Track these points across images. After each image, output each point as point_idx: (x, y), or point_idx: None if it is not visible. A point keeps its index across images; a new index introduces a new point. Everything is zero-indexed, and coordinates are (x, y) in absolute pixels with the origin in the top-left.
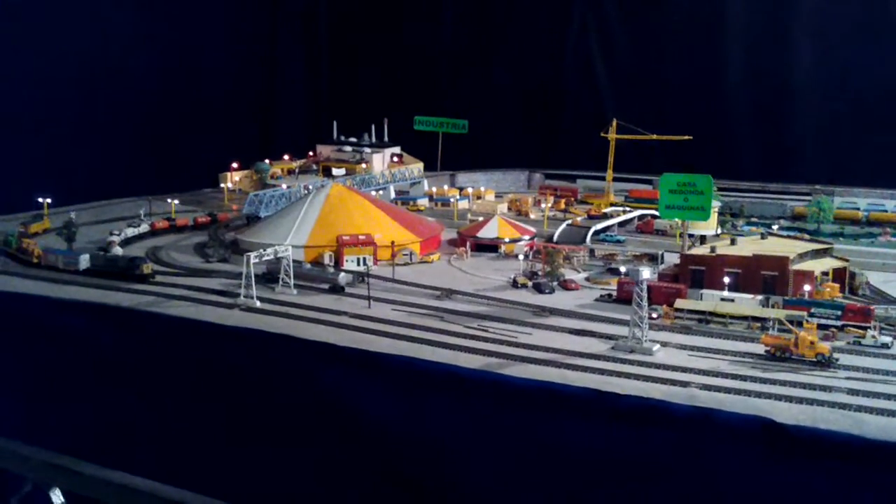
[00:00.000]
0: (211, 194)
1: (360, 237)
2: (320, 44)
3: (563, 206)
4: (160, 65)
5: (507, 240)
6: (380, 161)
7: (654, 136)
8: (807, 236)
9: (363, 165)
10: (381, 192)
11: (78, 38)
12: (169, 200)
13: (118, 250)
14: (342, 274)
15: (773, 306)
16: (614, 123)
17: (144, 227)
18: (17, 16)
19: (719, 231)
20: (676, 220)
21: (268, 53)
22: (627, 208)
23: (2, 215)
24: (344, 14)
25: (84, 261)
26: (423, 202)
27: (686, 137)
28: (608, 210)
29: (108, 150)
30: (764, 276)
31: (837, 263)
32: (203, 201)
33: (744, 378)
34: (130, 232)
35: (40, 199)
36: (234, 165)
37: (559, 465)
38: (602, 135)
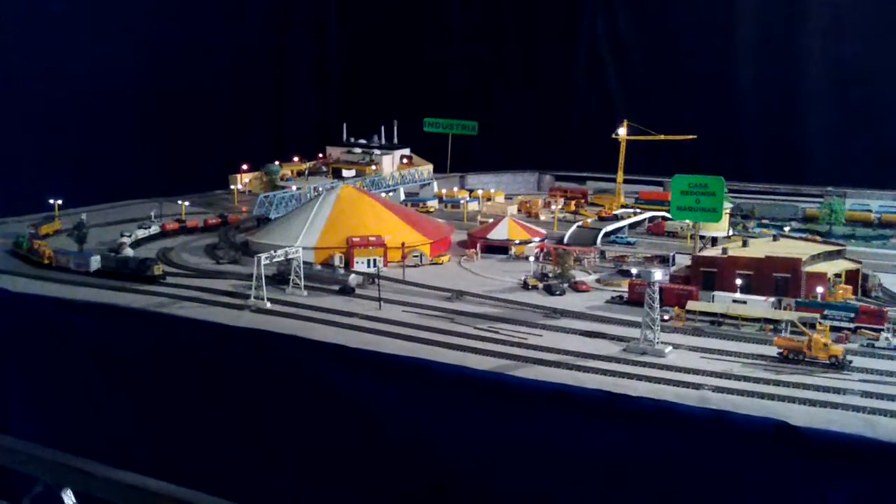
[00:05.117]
0: (221, 196)
1: (371, 239)
2: (330, 46)
3: (573, 207)
4: (171, 67)
5: (517, 241)
6: (389, 163)
7: (662, 137)
8: (819, 238)
9: (373, 167)
10: (390, 193)
11: (90, 39)
12: (179, 202)
13: (129, 252)
14: (352, 275)
15: (785, 308)
16: (625, 125)
17: (155, 229)
18: (24, 16)
19: (731, 233)
20: (688, 221)
21: (278, 56)
22: (638, 210)
23: (13, 217)
24: (354, 17)
25: (95, 262)
26: (433, 204)
27: (691, 137)
28: (619, 212)
29: (119, 151)
30: (776, 278)
31: (850, 265)
32: (213, 203)
33: (756, 380)
34: (141, 233)
35: (51, 201)
36: (245, 167)
37: (570, 467)
38: (613, 136)
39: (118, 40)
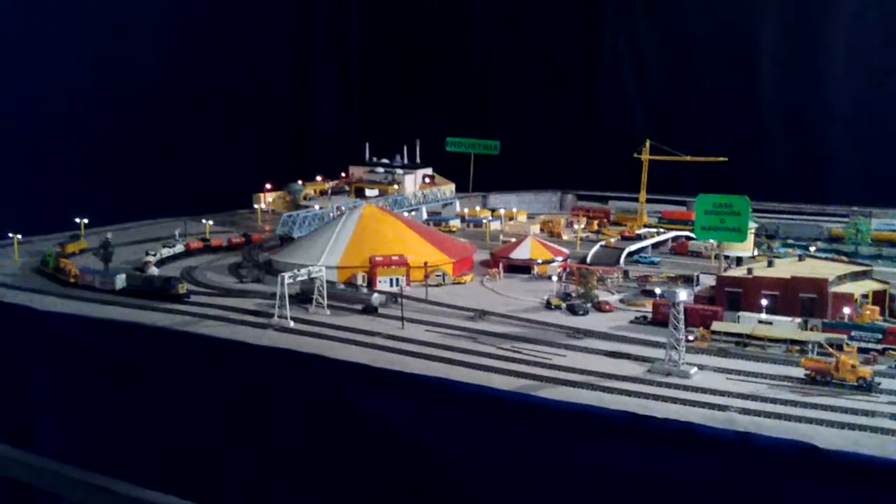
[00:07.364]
0: (245, 215)
1: (393, 258)
2: (352, 66)
3: (595, 227)
4: (196, 87)
5: (539, 261)
6: (412, 182)
7: (689, 158)
8: (845, 258)
9: (395, 186)
10: (413, 213)
11: (117, 59)
12: (203, 221)
13: (154, 270)
14: (375, 294)
15: (811, 329)
16: (647, 144)
17: (179, 248)
18: (50, 36)
19: (755, 253)
20: (712, 241)
21: (301, 77)
22: (661, 229)
23: (39, 235)
24: (376, 36)
25: (120, 280)
26: (456, 223)
27: (722, 159)
28: (642, 231)
29: (145, 171)
30: (802, 299)
31: (877, 286)
32: (237, 222)
33: (784, 402)
34: (166, 252)
35: (77, 220)
36: (268, 186)
37: (595, 488)
38: (635, 156)
39: (147, 61)
